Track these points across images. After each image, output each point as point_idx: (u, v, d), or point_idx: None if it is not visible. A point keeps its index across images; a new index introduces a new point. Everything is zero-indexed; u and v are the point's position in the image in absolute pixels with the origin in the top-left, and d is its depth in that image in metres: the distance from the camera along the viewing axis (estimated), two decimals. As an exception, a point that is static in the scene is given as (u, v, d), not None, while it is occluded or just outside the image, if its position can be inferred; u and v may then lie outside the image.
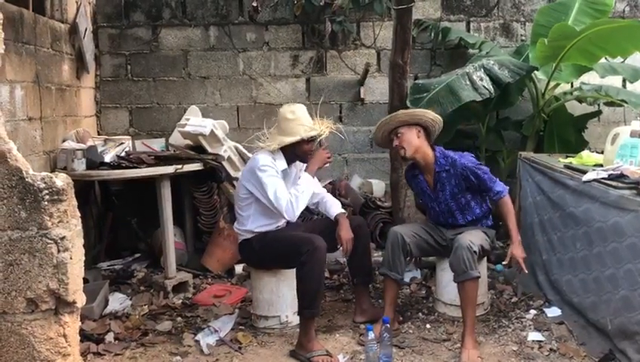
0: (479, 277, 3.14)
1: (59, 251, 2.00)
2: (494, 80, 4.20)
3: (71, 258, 2.02)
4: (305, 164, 3.40)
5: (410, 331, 3.38)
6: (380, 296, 3.88)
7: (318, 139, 3.30)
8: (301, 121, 3.25)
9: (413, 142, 3.34)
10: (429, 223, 3.60)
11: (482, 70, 4.24)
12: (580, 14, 4.51)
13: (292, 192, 3.20)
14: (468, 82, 4.17)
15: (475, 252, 3.13)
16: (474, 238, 3.21)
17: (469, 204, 3.42)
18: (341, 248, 3.36)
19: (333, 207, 3.50)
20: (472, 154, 3.48)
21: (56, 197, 1.99)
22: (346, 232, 3.34)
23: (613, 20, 4.14)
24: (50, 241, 1.99)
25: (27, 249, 1.99)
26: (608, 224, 2.88)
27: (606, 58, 4.40)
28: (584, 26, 4.09)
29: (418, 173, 3.50)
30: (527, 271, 3.25)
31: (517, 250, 3.26)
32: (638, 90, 4.74)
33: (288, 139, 3.23)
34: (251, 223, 3.32)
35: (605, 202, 2.90)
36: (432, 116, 3.39)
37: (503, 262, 3.41)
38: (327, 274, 4.24)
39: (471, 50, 5.02)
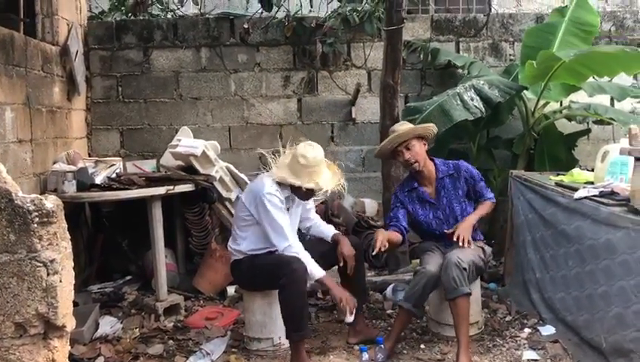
0: (470, 293, 3.13)
1: (48, 274, 1.97)
2: (485, 99, 4.24)
3: (61, 281, 1.99)
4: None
5: (405, 351, 3.35)
6: (373, 316, 3.86)
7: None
8: (310, 169, 3.17)
9: (423, 154, 3.42)
10: (440, 246, 3.50)
11: (473, 90, 4.29)
12: (566, 35, 4.58)
13: (299, 248, 3.19)
14: (459, 102, 4.21)
15: (464, 268, 3.13)
16: (463, 255, 3.20)
17: (467, 210, 3.48)
18: (341, 264, 3.36)
19: (328, 229, 3.51)
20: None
21: (45, 219, 1.96)
22: (348, 249, 3.34)
23: (598, 49, 4.23)
24: (39, 264, 1.96)
25: (16, 272, 1.95)
26: (600, 241, 2.88)
27: (594, 77, 4.46)
28: (569, 49, 4.14)
29: (417, 186, 3.50)
30: (468, 246, 3.27)
31: (462, 226, 3.34)
32: (626, 108, 4.79)
33: (290, 180, 3.19)
34: (246, 244, 3.31)
35: (596, 219, 2.91)
36: (433, 129, 3.53)
37: (447, 230, 3.39)
38: (319, 295, 4.21)
39: (460, 71, 5.07)
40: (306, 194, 3.26)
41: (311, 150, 3.20)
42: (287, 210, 3.32)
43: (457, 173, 3.47)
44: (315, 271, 3.16)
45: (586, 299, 3.07)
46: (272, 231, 3.19)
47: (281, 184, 3.24)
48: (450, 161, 3.54)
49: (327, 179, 3.24)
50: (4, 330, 1.97)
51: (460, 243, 3.25)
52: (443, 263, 3.20)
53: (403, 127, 3.47)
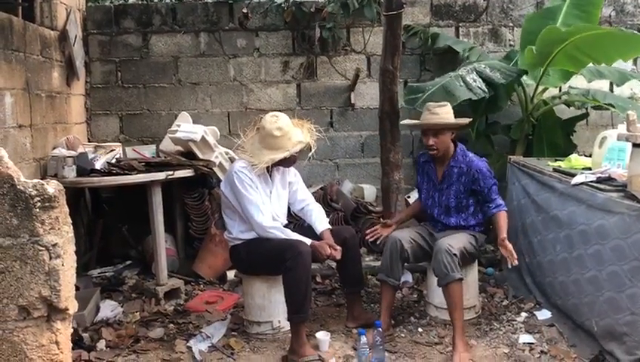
0: (462, 278, 3.17)
1: (50, 258, 1.99)
2: (487, 81, 4.24)
3: (63, 265, 2.01)
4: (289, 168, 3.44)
5: (402, 335, 3.39)
6: (372, 300, 3.90)
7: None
8: (288, 135, 3.24)
9: (447, 144, 3.41)
10: (423, 227, 3.62)
11: (475, 72, 4.29)
12: (568, 18, 4.55)
13: (277, 226, 3.27)
14: (462, 83, 4.21)
15: (455, 254, 3.17)
16: (453, 241, 3.25)
17: (467, 209, 3.47)
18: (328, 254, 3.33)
19: (319, 222, 3.47)
20: (487, 161, 3.52)
21: (47, 204, 1.98)
22: (326, 251, 3.27)
23: (596, 27, 4.19)
24: (41, 248, 1.98)
25: (19, 256, 1.98)
26: (592, 226, 2.91)
27: (593, 63, 4.45)
28: (571, 28, 4.10)
29: (430, 161, 3.54)
30: (514, 264, 3.19)
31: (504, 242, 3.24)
32: (625, 93, 4.80)
33: (278, 156, 3.23)
34: (237, 229, 3.34)
35: (592, 205, 2.93)
36: (466, 122, 3.50)
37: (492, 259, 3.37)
38: (319, 279, 4.26)
39: (460, 55, 5.06)
40: (293, 160, 3.35)
41: (278, 120, 3.26)
42: (270, 192, 3.36)
43: (468, 169, 3.41)
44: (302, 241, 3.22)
45: (573, 284, 3.10)
46: (246, 209, 3.23)
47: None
48: (470, 155, 3.47)
49: (305, 133, 3.32)
50: (8, 313, 2.00)
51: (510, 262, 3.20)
52: (433, 250, 3.25)
53: (443, 110, 3.40)
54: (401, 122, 3.80)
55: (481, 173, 3.40)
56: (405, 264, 3.52)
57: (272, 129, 3.22)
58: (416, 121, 3.53)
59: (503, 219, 3.37)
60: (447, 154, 3.45)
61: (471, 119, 3.55)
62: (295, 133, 3.29)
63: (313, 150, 3.38)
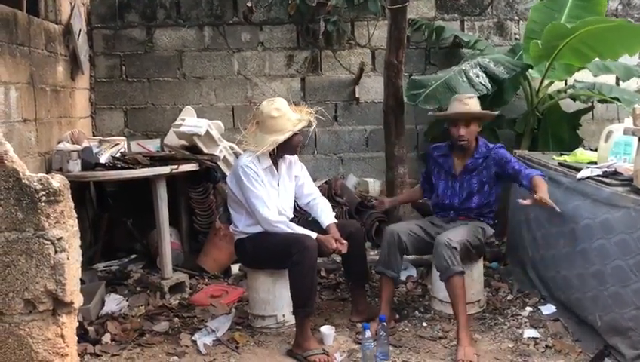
0: (463, 272, 3.15)
1: (56, 252, 1.99)
2: (490, 76, 4.22)
3: (68, 258, 2.02)
4: (294, 156, 3.42)
5: (407, 329, 3.39)
6: (376, 295, 3.89)
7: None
8: (287, 115, 3.23)
9: (475, 135, 3.45)
10: (425, 221, 3.62)
11: (478, 67, 4.27)
12: (574, 9, 4.51)
13: (283, 220, 3.25)
14: (465, 79, 4.19)
15: (454, 248, 3.15)
16: (452, 235, 3.24)
17: (484, 188, 3.47)
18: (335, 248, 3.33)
19: (325, 216, 3.47)
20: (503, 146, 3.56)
21: (52, 198, 1.99)
22: (331, 244, 3.27)
23: (603, 19, 4.15)
24: (47, 242, 1.99)
25: (24, 250, 1.98)
26: (597, 221, 2.89)
27: (598, 57, 4.42)
28: (577, 23, 4.08)
29: (449, 155, 3.54)
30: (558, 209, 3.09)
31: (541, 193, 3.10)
32: (631, 87, 4.76)
33: (281, 138, 3.20)
34: (243, 223, 3.34)
35: (597, 199, 2.92)
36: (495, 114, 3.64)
37: (523, 201, 3.21)
38: (323, 273, 4.26)
39: (465, 50, 5.04)
40: (296, 143, 3.30)
41: (275, 102, 3.25)
42: (277, 185, 3.35)
43: (492, 158, 3.43)
44: (301, 231, 3.23)
45: (576, 279, 3.09)
46: (251, 204, 3.22)
47: (260, 156, 3.25)
48: (491, 145, 3.51)
49: (303, 113, 3.30)
50: (14, 307, 2.00)
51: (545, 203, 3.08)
52: (434, 244, 3.24)
53: (472, 102, 3.45)
54: (434, 113, 3.87)
55: (505, 158, 3.41)
56: (406, 256, 3.52)
57: (270, 110, 3.21)
58: (451, 112, 3.49)
59: (538, 180, 3.21)
60: (472, 147, 3.47)
61: (497, 112, 3.67)
62: (294, 114, 3.28)
63: (314, 125, 3.33)
